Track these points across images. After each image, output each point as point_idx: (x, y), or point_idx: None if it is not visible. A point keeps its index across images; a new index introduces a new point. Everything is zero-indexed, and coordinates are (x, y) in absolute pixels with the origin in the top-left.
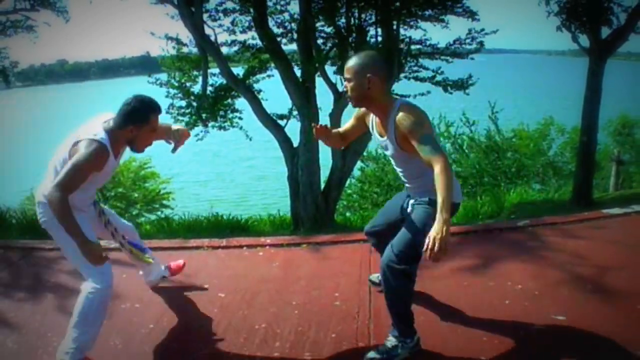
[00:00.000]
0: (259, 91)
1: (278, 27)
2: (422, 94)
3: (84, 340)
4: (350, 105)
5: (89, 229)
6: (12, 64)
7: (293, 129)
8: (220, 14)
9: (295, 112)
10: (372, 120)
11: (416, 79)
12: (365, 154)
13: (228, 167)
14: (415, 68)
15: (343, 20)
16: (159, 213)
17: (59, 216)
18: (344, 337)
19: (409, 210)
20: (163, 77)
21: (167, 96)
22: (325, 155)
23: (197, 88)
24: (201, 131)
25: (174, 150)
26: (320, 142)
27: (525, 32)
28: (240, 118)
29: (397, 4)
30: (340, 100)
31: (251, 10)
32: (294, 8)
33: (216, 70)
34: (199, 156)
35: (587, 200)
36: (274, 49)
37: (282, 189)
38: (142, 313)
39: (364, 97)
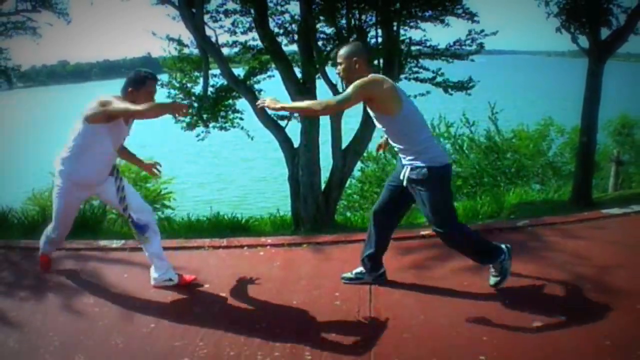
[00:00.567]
0: (260, 92)
1: (279, 28)
2: (422, 94)
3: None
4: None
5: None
6: (16, 67)
7: (294, 130)
8: (221, 15)
9: (295, 113)
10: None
11: (416, 79)
12: (365, 154)
13: (227, 168)
14: (416, 69)
15: (343, 21)
16: (159, 213)
17: (150, 111)
18: (344, 336)
19: (405, 183)
20: (164, 77)
21: (168, 97)
22: (326, 155)
23: (198, 89)
24: (202, 131)
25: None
26: (321, 143)
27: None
28: (241, 119)
29: (397, 5)
30: None
31: (252, 11)
32: (295, 9)
33: (217, 71)
34: (198, 157)
35: (586, 200)
36: (275, 50)
37: (281, 191)
38: (143, 312)
39: (352, 74)
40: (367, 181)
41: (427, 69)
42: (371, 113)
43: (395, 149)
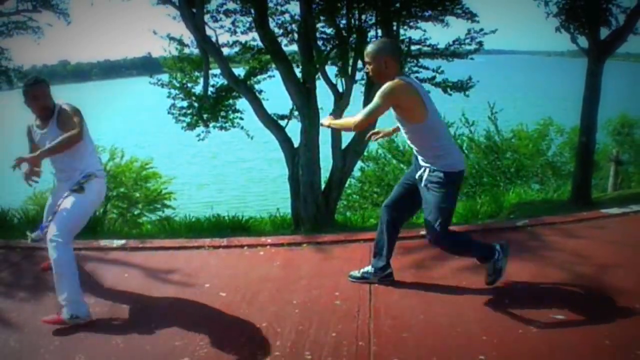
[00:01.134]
0: (260, 92)
1: (279, 28)
2: None
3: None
4: (350, 106)
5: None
6: (17, 68)
7: (294, 130)
8: (222, 15)
9: (296, 113)
10: None
11: (416, 79)
12: (365, 154)
13: (225, 169)
14: (415, 69)
15: (343, 21)
16: (160, 213)
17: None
18: (344, 336)
19: (422, 184)
20: (165, 77)
21: (168, 97)
22: (326, 155)
23: (198, 89)
24: (202, 131)
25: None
26: (321, 143)
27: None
28: (241, 118)
29: (397, 5)
30: (340, 100)
31: (252, 11)
32: (295, 9)
33: (217, 71)
34: (196, 158)
35: (585, 200)
36: (275, 50)
37: (280, 192)
38: (143, 312)
39: (381, 75)
40: (367, 181)
41: (426, 68)
42: (395, 116)
43: (414, 149)
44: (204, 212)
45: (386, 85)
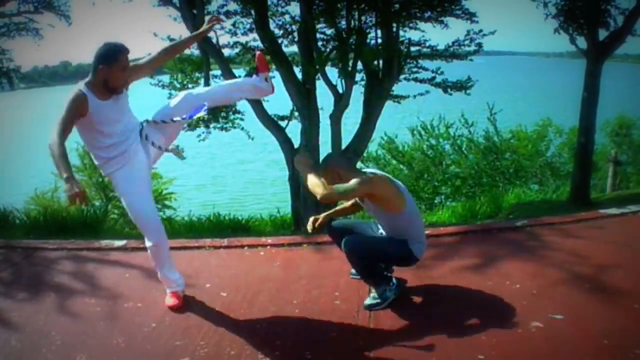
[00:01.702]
0: None
1: (279, 29)
2: (421, 94)
3: (174, 279)
4: (350, 107)
5: (141, 191)
6: (16, 68)
7: (294, 130)
8: (222, 16)
9: (296, 113)
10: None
11: (416, 80)
12: (365, 154)
13: (224, 171)
14: (415, 69)
15: (343, 22)
16: (161, 214)
17: (52, 151)
18: (344, 335)
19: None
20: (165, 78)
21: (169, 98)
22: None
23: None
24: (203, 132)
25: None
26: (321, 143)
27: (524, 34)
28: (241, 119)
29: (397, 6)
30: (340, 101)
31: (252, 12)
32: (295, 10)
33: (218, 72)
34: (195, 159)
35: (584, 200)
36: (275, 51)
37: (279, 193)
38: (144, 312)
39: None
40: None
41: (426, 69)
42: (369, 207)
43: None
44: (202, 213)
45: (368, 177)
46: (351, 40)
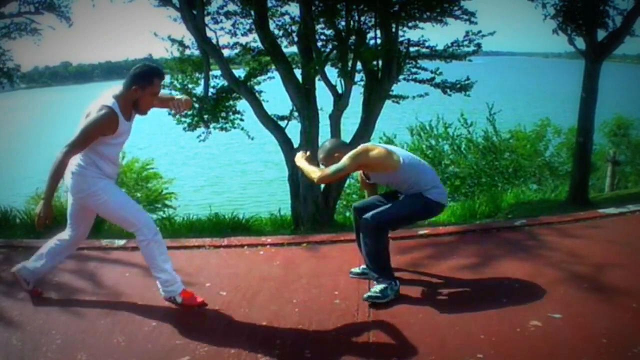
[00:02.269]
0: (260, 93)
1: (279, 30)
2: (421, 96)
3: (169, 278)
4: (349, 107)
5: (125, 195)
6: (15, 68)
7: (294, 130)
8: (222, 17)
9: (295, 114)
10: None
11: (415, 80)
12: None
13: (222, 171)
14: (414, 70)
15: (343, 22)
16: (161, 213)
17: (53, 165)
18: (343, 334)
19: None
20: (166, 79)
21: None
22: None
23: (199, 90)
24: (203, 132)
25: (173, 115)
26: (320, 143)
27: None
28: (241, 119)
29: (396, 7)
30: (340, 101)
31: (252, 13)
32: (295, 11)
33: (218, 72)
34: (193, 160)
35: (583, 200)
36: (275, 51)
37: (277, 194)
38: (144, 311)
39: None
40: None
41: (425, 69)
42: (374, 177)
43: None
44: (201, 214)
45: (354, 150)
46: (351, 40)
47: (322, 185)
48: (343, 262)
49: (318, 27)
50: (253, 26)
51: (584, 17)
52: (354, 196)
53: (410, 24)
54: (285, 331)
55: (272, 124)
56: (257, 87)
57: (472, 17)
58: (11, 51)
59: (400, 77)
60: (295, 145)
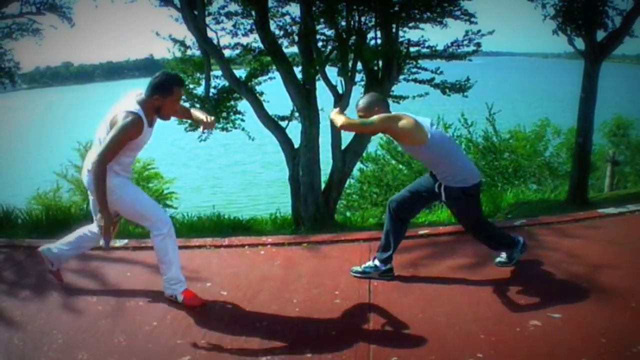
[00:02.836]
0: (261, 93)
1: (279, 30)
2: (421, 96)
3: (175, 276)
4: (349, 107)
5: (140, 191)
6: (15, 66)
7: (294, 130)
8: (223, 17)
9: (296, 114)
10: None
11: (415, 81)
12: (364, 154)
13: (221, 172)
14: (414, 70)
15: (343, 23)
16: None
17: (94, 179)
18: (344, 334)
19: (442, 198)
20: None
21: None
22: (326, 156)
23: (200, 90)
24: (204, 132)
25: (201, 130)
26: (321, 143)
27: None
28: (242, 120)
29: (396, 7)
30: (340, 101)
31: (253, 13)
32: (295, 11)
33: (219, 73)
34: (192, 161)
35: (582, 200)
36: (276, 52)
37: (275, 195)
38: (145, 311)
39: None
40: (367, 181)
41: (425, 69)
42: (402, 147)
43: (429, 169)
44: (201, 214)
45: (389, 114)
46: (351, 40)
47: (323, 185)
48: (343, 261)
49: (318, 27)
50: (254, 26)
51: (583, 17)
52: (354, 196)
53: (410, 25)
54: (285, 331)
55: (272, 124)
56: (257, 88)
57: (472, 18)
58: (13, 51)
59: (401, 77)
60: (296, 146)
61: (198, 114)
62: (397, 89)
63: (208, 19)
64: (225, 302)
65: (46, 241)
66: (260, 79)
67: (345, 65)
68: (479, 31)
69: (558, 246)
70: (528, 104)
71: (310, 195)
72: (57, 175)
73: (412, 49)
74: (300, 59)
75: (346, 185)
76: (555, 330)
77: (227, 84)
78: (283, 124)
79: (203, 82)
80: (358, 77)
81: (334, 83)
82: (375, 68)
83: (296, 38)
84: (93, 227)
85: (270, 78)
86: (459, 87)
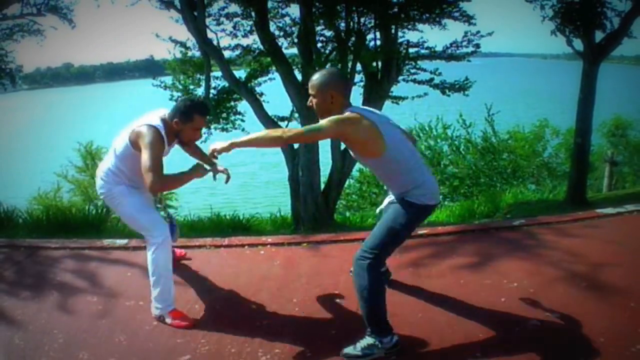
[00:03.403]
0: (261, 94)
1: (279, 31)
2: (420, 96)
3: (164, 296)
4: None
5: (142, 200)
6: (17, 68)
7: None
8: (223, 19)
9: (296, 114)
10: None
11: (414, 81)
12: None
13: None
14: (413, 70)
15: (343, 24)
16: (162, 213)
17: (168, 188)
18: (343, 333)
19: (383, 207)
20: (167, 80)
21: (170, 99)
22: (325, 156)
23: (200, 91)
24: (204, 133)
25: (214, 178)
26: (320, 144)
27: (521, 35)
28: (242, 120)
29: (396, 9)
30: None
31: (252, 14)
32: (295, 12)
33: (219, 74)
34: (192, 161)
35: (581, 200)
36: (275, 53)
37: (273, 195)
38: (146, 310)
39: (326, 110)
40: (366, 181)
41: (424, 70)
42: (351, 153)
43: (384, 185)
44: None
45: (338, 115)
46: (350, 41)
47: (323, 186)
48: (343, 261)
49: (318, 28)
50: (254, 28)
51: (582, 18)
52: (353, 196)
53: (409, 26)
54: (285, 330)
55: (272, 124)
56: (257, 88)
57: (471, 19)
58: (14, 52)
59: (400, 78)
60: (296, 146)
61: (212, 162)
62: (397, 89)
63: (208, 20)
64: (225, 301)
65: (46, 241)
66: (260, 79)
67: (345, 66)
68: (478, 32)
69: (557, 246)
70: (527, 105)
71: (309, 195)
72: (58, 176)
73: (411, 50)
74: (299, 60)
75: (346, 185)
76: (554, 330)
77: (227, 84)
78: (283, 124)
79: (203, 83)
80: (357, 77)
81: None
82: (375, 69)
83: (296, 39)
84: None
85: (270, 79)
86: (459, 87)
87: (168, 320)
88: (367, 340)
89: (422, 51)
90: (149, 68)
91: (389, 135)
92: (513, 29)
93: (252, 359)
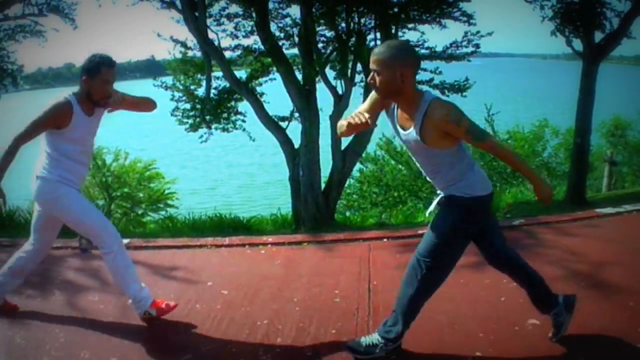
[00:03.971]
0: (261, 94)
1: (280, 32)
2: None
3: (137, 295)
4: (349, 108)
5: (88, 204)
6: (19, 69)
7: (294, 131)
8: (224, 19)
9: (296, 114)
10: (394, 110)
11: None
12: (364, 155)
13: (219, 173)
14: None
15: (343, 24)
16: (163, 212)
17: (4, 152)
18: (343, 333)
19: (432, 207)
20: (168, 80)
21: (172, 99)
22: (326, 156)
23: (201, 91)
24: (205, 133)
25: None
26: (321, 144)
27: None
28: (243, 120)
29: (396, 9)
30: (340, 102)
31: (253, 15)
32: (296, 12)
33: (220, 74)
34: (191, 162)
35: (580, 199)
36: (276, 53)
37: (274, 196)
38: None
39: (395, 91)
40: (366, 181)
41: (424, 70)
42: (417, 146)
43: (429, 179)
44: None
45: (450, 105)
46: (351, 42)
47: (323, 185)
48: (344, 261)
49: (319, 28)
50: (254, 28)
51: (581, 19)
52: (354, 196)
53: (409, 26)
54: (286, 330)
55: (273, 124)
56: (258, 89)
57: (470, 19)
58: (15, 52)
59: None
60: (296, 146)
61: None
62: None
63: (209, 21)
64: (225, 301)
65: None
66: (260, 79)
67: (345, 66)
68: (477, 32)
69: (556, 245)
70: (527, 105)
71: (310, 195)
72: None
73: None
74: (300, 60)
75: (346, 185)
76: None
77: (227, 84)
78: (283, 124)
79: (204, 83)
80: (358, 77)
81: (333, 84)
82: None
83: (296, 39)
84: (26, 247)
85: (271, 79)
86: (458, 88)
87: (153, 312)
88: (375, 338)
89: (422, 51)
90: (150, 68)
91: None
92: (513, 29)
93: (253, 358)
